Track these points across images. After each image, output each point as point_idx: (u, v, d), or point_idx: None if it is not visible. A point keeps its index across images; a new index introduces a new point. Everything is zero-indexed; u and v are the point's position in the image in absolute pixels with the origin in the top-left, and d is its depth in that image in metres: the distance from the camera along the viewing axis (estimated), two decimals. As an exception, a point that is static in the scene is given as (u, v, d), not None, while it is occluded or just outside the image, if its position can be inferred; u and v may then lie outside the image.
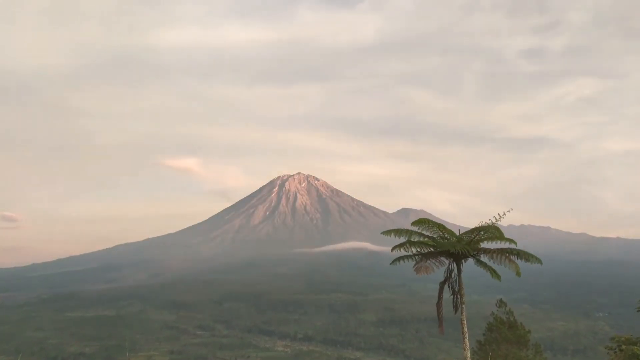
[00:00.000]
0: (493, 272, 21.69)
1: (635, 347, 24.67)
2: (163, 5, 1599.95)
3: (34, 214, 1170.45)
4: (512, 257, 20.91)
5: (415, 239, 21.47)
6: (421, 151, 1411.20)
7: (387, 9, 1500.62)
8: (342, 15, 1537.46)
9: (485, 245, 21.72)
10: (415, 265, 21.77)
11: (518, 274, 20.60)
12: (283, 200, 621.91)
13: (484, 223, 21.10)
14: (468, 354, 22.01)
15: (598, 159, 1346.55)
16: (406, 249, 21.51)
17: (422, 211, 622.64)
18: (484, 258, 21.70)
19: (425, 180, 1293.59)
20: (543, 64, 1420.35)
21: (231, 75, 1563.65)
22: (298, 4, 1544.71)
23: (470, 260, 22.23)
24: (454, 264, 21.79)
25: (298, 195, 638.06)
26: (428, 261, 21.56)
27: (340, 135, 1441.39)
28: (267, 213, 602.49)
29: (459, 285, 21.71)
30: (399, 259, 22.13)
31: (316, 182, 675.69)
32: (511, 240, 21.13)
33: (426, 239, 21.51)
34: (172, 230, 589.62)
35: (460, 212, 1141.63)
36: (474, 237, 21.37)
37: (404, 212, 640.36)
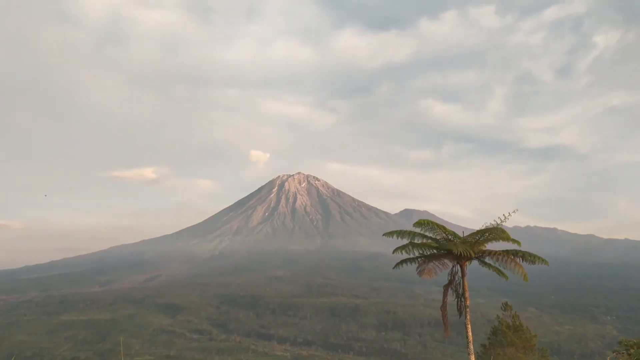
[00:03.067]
0: (499, 272, 21.65)
1: (644, 352, 24.61)
2: (218, 26, 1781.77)
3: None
4: (518, 259, 20.86)
5: (418, 240, 21.43)
6: (442, 160, 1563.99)
7: (423, 31, 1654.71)
8: (380, 38, 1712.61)
9: (490, 246, 21.69)
10: (418, 268, 21.74)
11: (525, 278, 20.51)
12: (282, 201, 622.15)
13: (488, 224, 21.07)
14: (473, 358, 21.97)
15: (613, 168, 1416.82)
16: (408, 251, 21.48)
17: (425, 212, 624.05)
18: (489, 260, 21.67)
19: (441, 187, 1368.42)
20: (570, 81, 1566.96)
21: (273, 91, 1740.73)
22: (341, 28, 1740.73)
23: (475, 263, 22.19)
24: (458, 267, 21.76)
25: (298, 195, 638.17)
26: (431, 263, 21.54)
27: (362, 143, 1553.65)
28: (266, 214, 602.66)
29: (463, 288, 21.68)
30: (401, 262, 22.12)
31: (316, 182, 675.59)
32: (516, 241, 21.08)
33: (429, 241, 21.48)
34: (170, 232, 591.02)
35: (471, 216, 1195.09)
36: (479, 239, 21.32)
37: (407, 213, 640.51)
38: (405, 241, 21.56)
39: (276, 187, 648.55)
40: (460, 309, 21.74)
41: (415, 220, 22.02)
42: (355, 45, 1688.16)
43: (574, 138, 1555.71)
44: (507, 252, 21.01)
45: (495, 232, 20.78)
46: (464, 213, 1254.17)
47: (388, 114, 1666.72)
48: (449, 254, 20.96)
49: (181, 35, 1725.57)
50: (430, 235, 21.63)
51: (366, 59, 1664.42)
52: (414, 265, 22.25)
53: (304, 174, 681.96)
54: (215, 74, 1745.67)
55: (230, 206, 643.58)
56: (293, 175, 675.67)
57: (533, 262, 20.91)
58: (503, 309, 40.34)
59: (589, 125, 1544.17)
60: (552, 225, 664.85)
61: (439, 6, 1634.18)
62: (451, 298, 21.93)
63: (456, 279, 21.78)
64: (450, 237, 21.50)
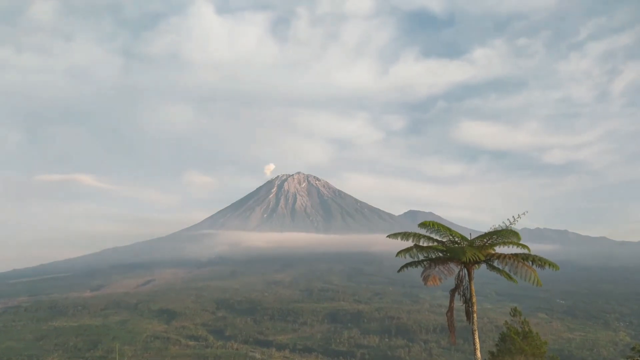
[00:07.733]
0: (508, 276, 21.66)
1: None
2: (292, 51, 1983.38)
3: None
4: (528, 263, 20.86)
5: (424, 242, 21.43)
6: (470, 174, 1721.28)
7: (478, 61, 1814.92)
8: (437, 64, 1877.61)
9: (497, 250, 21.71)
10: (423, 273, 21.72)
11: (538, 283, 20.43)
12: (282, 202, 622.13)
13: (497, 226, 21.08)
14: (480, 366, 21.97)
15: (632, 181, 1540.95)
16: (413, 255, 21.48)
17: (430, 214, 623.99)
18: (497, 264, 21.69)
19: (462, 198, 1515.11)
20: (606, 104, 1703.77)
21: (329, 110, 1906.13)
22: (402, 54, 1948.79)
23: (482, 266, 22.20)
24: (465, 271, 21.75)
25: (298, 196, 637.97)
26: (437, 268, 21.53)
27: (398, 156, 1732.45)
28: (265, 215, 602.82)
29: (470, 293, 21.68)
30: (406, 265, 22.13)
31: (317, 182, 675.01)
32: (524, 246, 21.08)
33: (435, 244, 21.47)
34: (163, 234, 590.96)
35: (481, 220, 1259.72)
36: (487, 242, 21.32)
37: (411, 214, 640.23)
38: (409, 243, 21.55)
39: (275, 188, 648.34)
40: (469, 315, 21.75)
41: (419, 222, 21.99)
42: (416, 70, 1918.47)
43: (597, 154, 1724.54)
44: (516, 255, 21.02)
45: (505, 234, 20.74)
46: (473, 217, 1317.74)
47: (430, 131, 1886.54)
48: (455, 257, 20.96)
49: (249, 61, 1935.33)
50: (436, 237, 21.63)
51: (426, 85, 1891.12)
52: (419, 269, 22.24)
53: (304, 174, 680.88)
54: (275, 95, 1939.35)
55: (227, 207, 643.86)
56: (293, 175, 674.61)
57: (542, 267, 20.91)
58: (512, 314, 40.35)
59: (614, 143, 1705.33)
60: (562, 227, 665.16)
61: (490, 35, 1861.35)
62: (458, 303, 21.94)
63: (463, 283, 21.79)
64: (457, 239, 21.50)
